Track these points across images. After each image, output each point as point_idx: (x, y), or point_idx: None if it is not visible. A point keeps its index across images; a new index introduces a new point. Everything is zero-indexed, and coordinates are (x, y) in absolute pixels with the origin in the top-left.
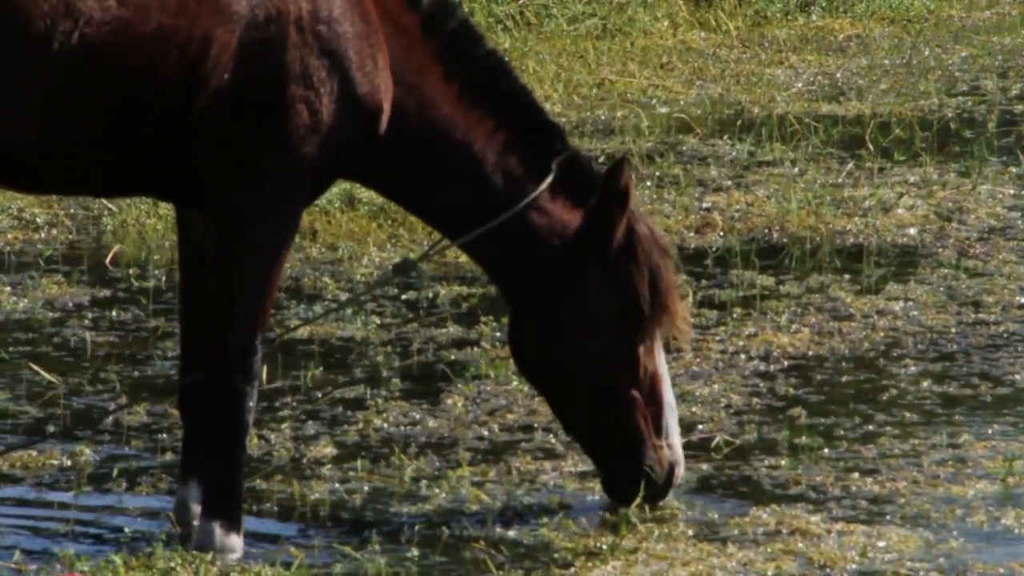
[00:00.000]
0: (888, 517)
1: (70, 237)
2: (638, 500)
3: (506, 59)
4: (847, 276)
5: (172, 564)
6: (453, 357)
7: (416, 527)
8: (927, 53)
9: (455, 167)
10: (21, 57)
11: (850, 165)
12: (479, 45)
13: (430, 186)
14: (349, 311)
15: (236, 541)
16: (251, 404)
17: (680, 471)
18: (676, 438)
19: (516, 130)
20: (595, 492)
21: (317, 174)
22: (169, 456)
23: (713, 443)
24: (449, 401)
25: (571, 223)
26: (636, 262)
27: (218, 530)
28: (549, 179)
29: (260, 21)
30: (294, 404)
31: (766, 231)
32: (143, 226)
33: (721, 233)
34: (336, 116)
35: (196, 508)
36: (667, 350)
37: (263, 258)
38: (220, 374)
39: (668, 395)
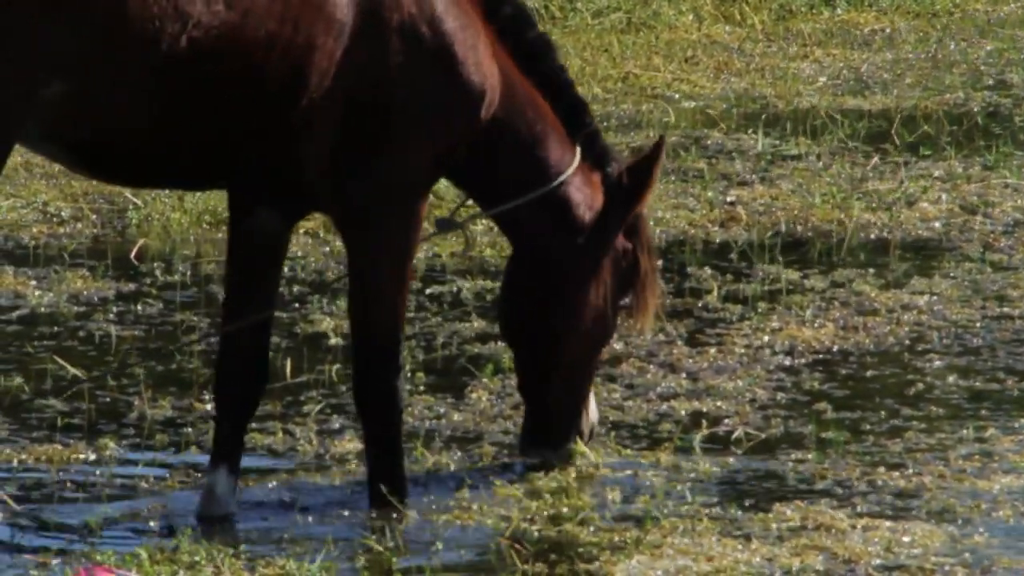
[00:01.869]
0: (913, 512)
1: (95, 231)
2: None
3: (551, 39)
4: (872, 270)
5: (196, 558)
6: (477, 351)
7: (440, 521)
8: (952, 47)
9: (517, 144)
10: (131, 58)
11: (875, 159)
12: (532, 26)
13: (490, 161)
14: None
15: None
16: (403, 395)
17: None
18: (593, 399)
19: (559, 106)
20: (618, 486)
21: (434, 167)
22: (194, 450)
23: (733, 436)
24: (473, 395)
25: (592, 193)
26: (642, 237)
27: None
28: (577, 156)
29: (363, 27)
30: (319, 398)
31: (791, 225)
32: (168, 220)
33: (745, 227)
34: (446, 111)
35: (222, 494)
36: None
37: (395, 255)
38: (369, 372)
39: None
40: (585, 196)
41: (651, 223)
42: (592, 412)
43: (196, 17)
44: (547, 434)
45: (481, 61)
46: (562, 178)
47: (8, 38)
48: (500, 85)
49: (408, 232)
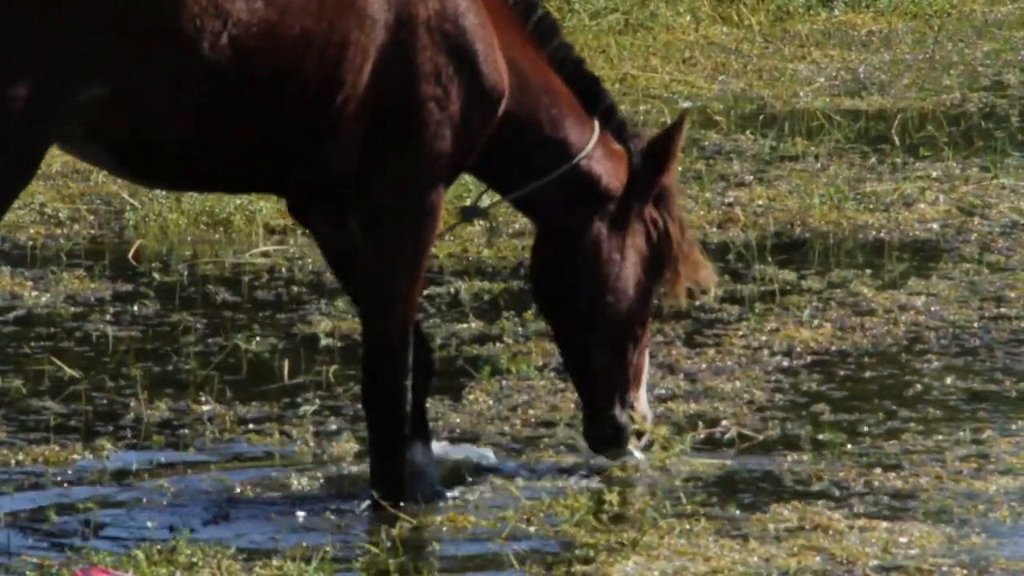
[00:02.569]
0: (911, 513)
1: (92, 232)
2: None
3: (556, 19)
4: (869, 271)
5: (194, 559)
6: (475, 352)
7: (437, 522)
8: (950, 48)
9: (535, 131)
10: (172, 58)
11: (872, 160)
12: (536, 8)
13: (510, 150)
14: None
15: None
16: (408, 395)
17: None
18: (645, 392)
19: (574, 84)
20: (616, 487)
21: (453, 164)
22: (191, 451)
23: (726, 436)
24: (471, 396)
25: (614, 165)
26: (671, 211)
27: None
28: (596, 132)
29: (392, 24)
30: (316, 400)
31: (788, 226)
32: (165, 221)
33: (743, 228)
34: (466, 108)
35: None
36: (695, 296)
37: (411, 253)
38: (378, 370)
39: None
40: (607, 168)
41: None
42: (644, 409)
43: (236, 15)
44: (600, 417)
45: (497, 59)
46: (581, 155)
47: (49, 41)
48: (513, 74)
49: (426, 230)
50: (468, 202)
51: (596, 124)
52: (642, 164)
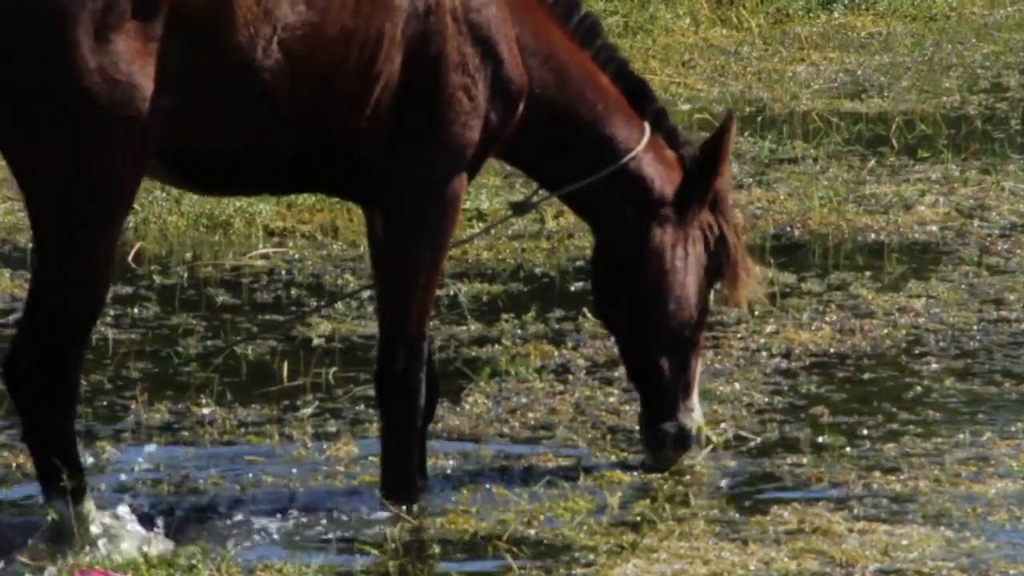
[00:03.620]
0: (910, 516)
1: None
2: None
3: (598, 20)
4: (869, 273)
5: (194, 562)
6: (474, 354)
7: (437, 524)
8: (949, 50)
9: (580, 125)
10: (230, 66)
11: (872, 162)
12: (578, 8)
13: (557, 146)
14: (369, 309)
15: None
16: (423, 388)
17: (690, 435)
18: (696, 399)
19: (621, 84)
20: (616, 490)
21: (477, 156)
22: (192, 452)
23: (721, 437)
24: (470, 399)
25: (666, 170)
26: (725, 215)
27: (392, 509)
28: (647, 134)
29: (420, 13)
30: (315, 401)
31: (788, 228)
32: (165, 223)
33: (743, 230)
34: (491, 99)
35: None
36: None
37: (433, 244)
38: (394, 360)
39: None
40: (659, 172)
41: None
42: (698, 416)
43: (283, 19)
44: (664, 418)
45: (516, 54)
46: (632, 155)
47: (132, 55)
48: (553, 68)
49: (448, 220)
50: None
51: (647, 126)
52: (696, 169)
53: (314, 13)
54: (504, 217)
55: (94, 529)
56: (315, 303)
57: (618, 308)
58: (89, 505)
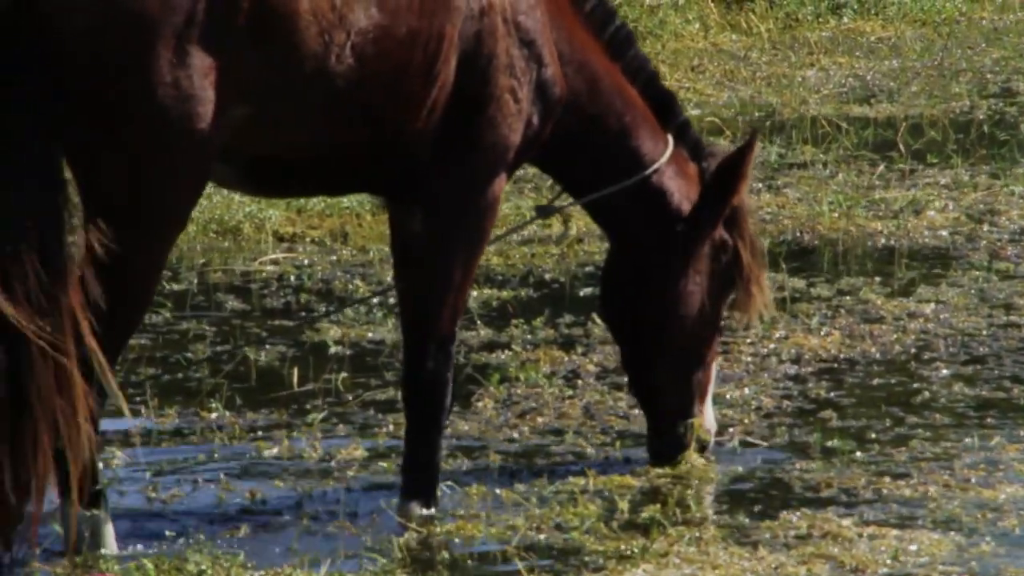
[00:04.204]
0: (920, 521)
1: None
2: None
3: (632, 31)
4: (878, 278)
5: (203, 567)
6: (484, 360)
7: (447, 530)
8: (958, 55)
9: (608, 134)
10: (306, 72)
11: (881, 167)
12: (614, 18)
13: (583, 154)
14: (379, 314)
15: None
16: (451, 387)
17: (710, 437)
18: (710, 404)
19: (649, 97)
20: (626, 495)
21: (517, 158)
22: (201, 457)
23: (731, 442)
24: (480, 404)
25: (687, 184)
26: (742, 232)
27: (416, 508)
28: (670, 147)
29: (475, 14)
30: (324, 407)
31: (797, 233)
32: None
33: None
34: (533, 103)
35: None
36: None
37: (471, 245)
38: (424, 359)
39: (715, 360)
40: (680, 186)
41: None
42: (709, 421)
43: (356, 24)
44: (664, 431)
45: (555, 61)
46: (655, 167)
47: (205, 63)
48: (586, 76)
49: (486, 220)
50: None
51: (670, 139)
52: (713, 184)
53: (384, 16)
54: (527, 220)
55: (106, 534)
56: (329, 306)
57: (626, 317)
58: (103, 511)
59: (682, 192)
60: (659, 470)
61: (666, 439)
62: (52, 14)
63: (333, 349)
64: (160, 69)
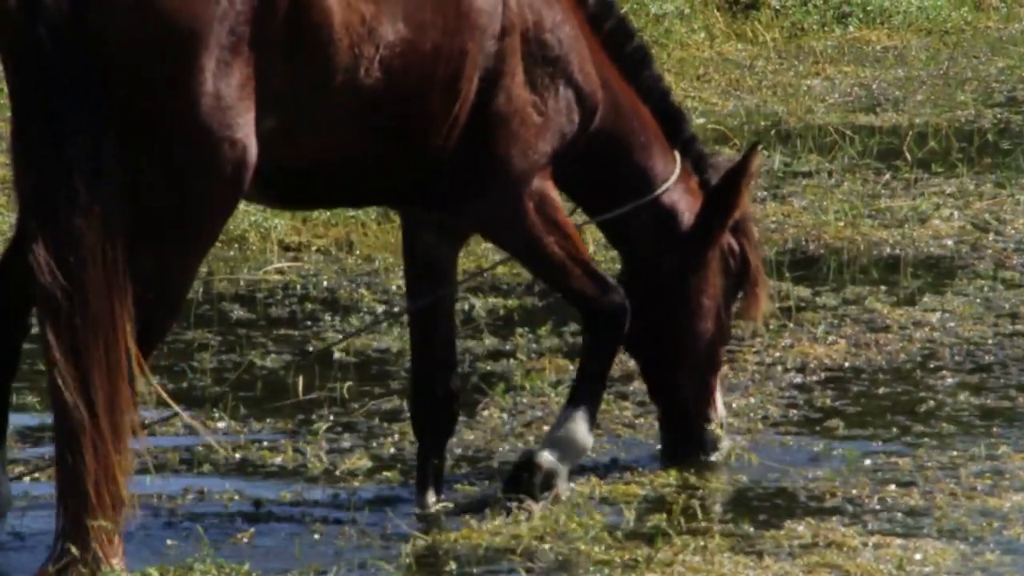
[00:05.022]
0: (925, 530)
1: None
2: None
3: (649, 51)
4: (884, 287)
5: (209, 575)
6: (489, 368)
7: (452, 539)
8: (964, 64)
9: (623, 153)
10: (336, 86)
11: (887, 176)
12: (632, 37)
13: (599, 173)
14: (384, 324)
15: (589, 440)
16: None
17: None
18: (719, 396)
19: (661, 116)
20: (631, 503)
21: (556, 162)
22: (206, 468)
23: (727, 450)
24: (485, 413)
25: (693, 200)
26: (748, 235)
27: (581, 424)
28: (678, 164)
29: (496, 33)
30: (330, 416)
31: (803, 242)
32: None
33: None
34: (562, 117)
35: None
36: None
37: (550, 227)
38: (601, 313)
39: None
40: (688, 203)
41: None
42: (720, 409)
43: (385, 37)
44: (686, 438)
45: (590, 71)
46: (666, 186)
47: (244, 79)
48: (604, 96)
49: (548, 202)
50: None
51: (678, 156)
52: (716, 196)
53: (411, 31)
54: None
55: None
56: (329, 315)
57: (644, 334)
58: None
59: (690, 208)
60: (664, 479)
61: (686, 441)
62: (99, 30)
63: (338, 358)
64: (204, 79)
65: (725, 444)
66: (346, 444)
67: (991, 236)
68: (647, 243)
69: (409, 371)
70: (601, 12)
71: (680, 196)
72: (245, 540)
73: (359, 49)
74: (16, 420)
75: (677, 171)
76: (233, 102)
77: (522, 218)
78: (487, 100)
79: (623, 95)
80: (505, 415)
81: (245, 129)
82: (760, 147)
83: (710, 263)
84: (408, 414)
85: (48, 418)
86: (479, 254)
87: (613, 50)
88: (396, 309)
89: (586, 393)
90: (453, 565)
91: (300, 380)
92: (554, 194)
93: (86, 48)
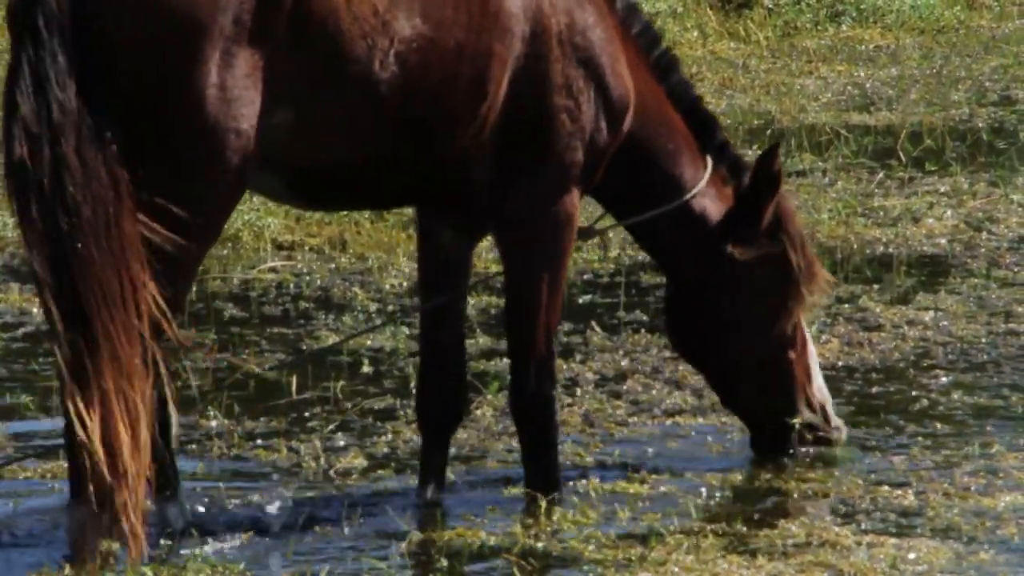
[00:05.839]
0: (918, 529)
1: None
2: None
3: (677, 55)
4: (877, 286)
5: (202, 575)
6: (482, 368)
7: (446, 538)
8: (957, 63)
9: (652, 158)
10: (348, 79)
11: (880, 175)
12: (658, 44)
13: (627, 177)
14: (378, 322)
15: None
16: (557, 404)
17: (831, 408)
18: (820, 378)
19: (690, 121)
20: (624, 503)
21: (585, 175)
22: (200, 466)
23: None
24: (478, 412)
25: (724, 204)
26: (789, 234)
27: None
28: (709, 169)
29: (527, 36)
30: (324, 415)
31: None
32: None
33: None
34: (595, 120)
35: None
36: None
37: (552, 263)
38: (526, 380)
39: (808, 337)
40: (719, 209)
41: (798, 216)
42: (822, 393)
43: (400, 32)
44: (770, 436)
45: (623, 73)
46: (695, 191)
47: (245, 67)
48: (637, 99)
49: (563, 238)
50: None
51: (709, 162)
52: (746, 199)
53: (430, 27)
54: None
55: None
56: (323, 314)
57: (695, 344)
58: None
59: (721, 212)
60: (658, 478)
61: (771, 439)
62: (102, 21)
63: (332, 357)
64: (208, 69)
65: (842, 433)
66: (340, 443)
67: (984, 235)
68: (680, 250)
69: (417, 366)
70: (629, 16)
71: (710, 202)
72: (239, 539)
73: (371, 40)
74: (13, 422)
75: (707, 176)
76: (238, 93)
77: (541, 232)
78: (519, 104)
79: (652, 100)
80: (498, 414)
81: (250, 120)
82: (779, 148)
83: (749, 265)
84: (400, 412)
85: (44, 419)
86: (476, 252)
87: (644, 54)
88: (404, 309)
89: (539, 483)
90: (446, 563)
91: (294, 379)
92: (571, 236)
93: (88, 39)
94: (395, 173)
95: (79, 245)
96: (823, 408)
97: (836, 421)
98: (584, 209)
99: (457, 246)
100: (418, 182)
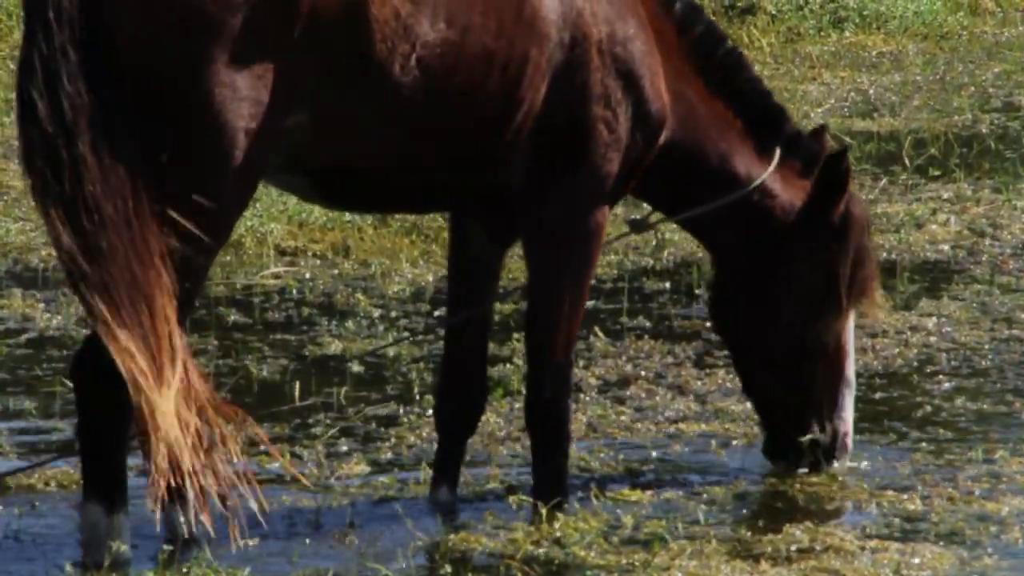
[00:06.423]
0: (922, 534)
1: None
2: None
3: (742, 53)
4: (880, 292)
5: None
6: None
7: (449, 544)
8: (960, 69)
9: (700, 164)
10: (368, 82)
11: (883, 181)
12: (722, 44)
13: (675, 180)
14: (381, 328)
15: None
16: (571, 413)
17: (849, 441)
18: (849, 412)
19: (749, 118)
20: (627, 508)
21: (618, 187)
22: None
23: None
24: (482, 418)
25: (793, 200)
26: (845, 244)
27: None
28: (773, 165)
29: (567, 44)
30: (327, 421)
31: None
32: None
33: None
34: (631, 132)
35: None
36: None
37: (577, 273)
38: (541, 387)
39: (850, 372)
40: (784, 203)
41: (868, 213)
42: (844, 423)
43: (423, 36)
44: (780, 439)
45: (661, 87)
46: (752, 186)
47: (261, 68)
48: (682, 107)
49: (590, 249)
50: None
51: (776, 156)
52: (814, 199)
53: (454, 32)
54: (620, 235)
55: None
56: (326, 320)
57: (739, 334)
58: (123, 518)
59: (788, 207)
60: (661, 483)
61: (789, 449)
62: (113, 16)
63: (335, 363)
64: (218, 69)
65: (843, 463)
66: (343, 449)
67: (988, 241)
68: (739, 243)
69: (438, 369)
70: (689, 17)
71: (776, 195)
72: (242, 544)
73: (392, 44)
74: (14, 426)
75: (770, 169)
76: (250, 93)
77: (569, 241)
78: (557, 113)
79: (701, 104)
80: (502, 420)
81: (261, 121)
82: (848, 151)
83: (807, 264)
84: (403, 418)
85: (44, 423)
86: None
87: (701, 56)
88: (406, 314)
89: (547, 489)
90: (450, 569)
91: (297, 385)
92: (599, 247)
93: (98, 36)
94: (423, 177)
95: (103, 244)
96: (838, 435)
97: (840, 464)
98: (635, 203)
99: (488, 253)
100: (449, 186)
